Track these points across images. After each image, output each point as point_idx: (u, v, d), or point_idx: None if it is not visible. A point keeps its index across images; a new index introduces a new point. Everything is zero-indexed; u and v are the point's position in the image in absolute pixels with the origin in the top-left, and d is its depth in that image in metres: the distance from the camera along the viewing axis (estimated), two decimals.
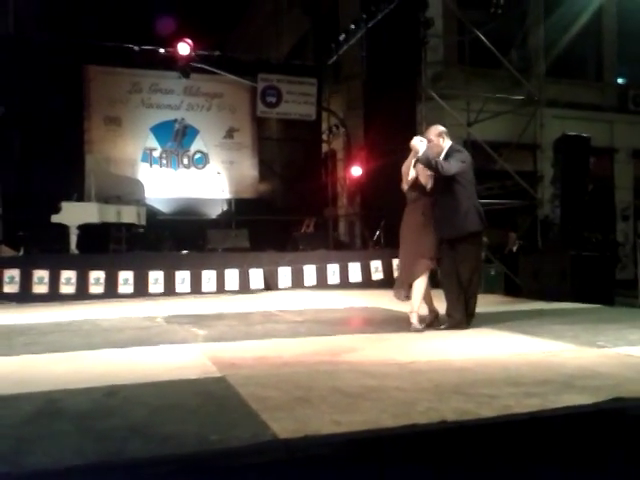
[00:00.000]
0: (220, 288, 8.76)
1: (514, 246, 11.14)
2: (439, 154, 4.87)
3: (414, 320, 4.81)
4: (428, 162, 4.68)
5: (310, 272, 9.30)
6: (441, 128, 5.07)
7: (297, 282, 9.18)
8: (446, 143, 4.99)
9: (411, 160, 4.87)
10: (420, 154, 4.71)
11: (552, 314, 5.81)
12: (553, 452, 2.12)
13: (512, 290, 9.48)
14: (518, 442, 2.18)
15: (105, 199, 10.13)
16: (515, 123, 11.74)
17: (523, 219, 11.79)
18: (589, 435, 2.24)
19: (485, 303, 7.25)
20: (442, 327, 4.88)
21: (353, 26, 11.93)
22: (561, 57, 13.39)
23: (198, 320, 5.80)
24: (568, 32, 13.03)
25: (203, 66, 11.85)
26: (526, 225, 11.35)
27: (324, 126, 14.14)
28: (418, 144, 4.78)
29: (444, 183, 4.82)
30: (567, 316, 5.64)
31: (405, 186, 4.97)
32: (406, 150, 9.94)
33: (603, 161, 13.92)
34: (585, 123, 12.12)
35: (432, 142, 4.91)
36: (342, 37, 12.42)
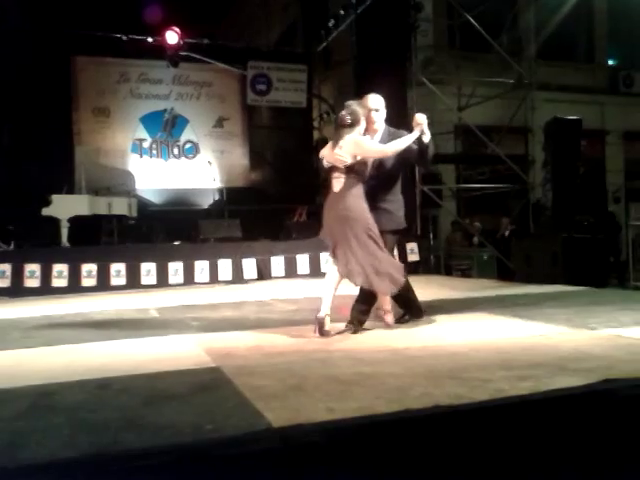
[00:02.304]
0: (213, 278, 8.74)
1: (506, 230, 11.18)
2: (375, 131, 4.28)
3: (390, 320, 4.37)
4: (425, 146, 4.13)
5: (303, 261, 9.29)
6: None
7: (290, 271, 9.17)
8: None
9: (413, 137, 4.09)
10: (428, 136, 4.11)
11: (545, 297, 5.84)
12: (547, 434, 2.14)
13: (505, 274, 9.53)
14: (511, 425, 2.20)
15: (95, 191, 10.04)
16: (506, 107, 11.74)
17: (515, 203, 11.82)
18: (581, 416, 2.26)
19: (478, 287, 7.30)
20: (406, 318, 4.51)
21: (342, 12, 11.84)
22: (551, 39, 13.34)
23: (191, 311, 5.80)
24: (558, 14, 12.98)
25: (192, 55, 11.74)
26: (518, 209, 11.39)
27: (315, 113, 14.07)
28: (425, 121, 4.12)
29: (389, 169, 4.25)
30: (560, 299, 5.67)
31: (341, 165, 4.05)
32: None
33: (594, 143, 13.94)
34: (576, 105, 12.13)
35: (379, 113, 4.28)
36: (331, 23, 12.33)
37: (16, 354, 3.85)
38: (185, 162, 12.67)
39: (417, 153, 4.17)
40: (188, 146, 12.72)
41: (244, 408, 2.38)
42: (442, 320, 4.65)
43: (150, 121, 12.37)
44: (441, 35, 12.86)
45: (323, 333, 4.01)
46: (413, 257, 9.77)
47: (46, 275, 8.04)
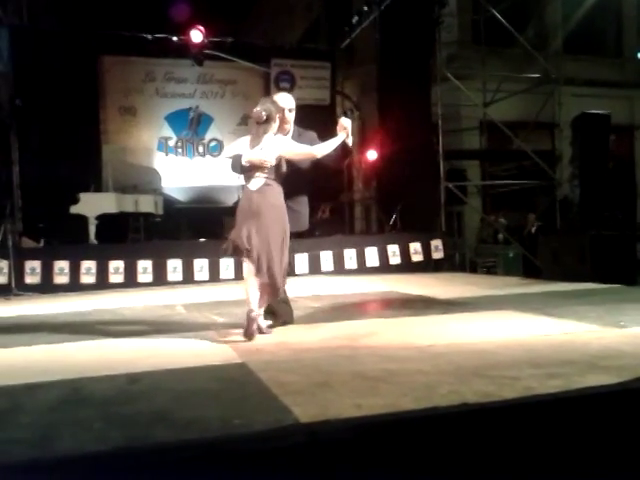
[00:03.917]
0: (238, 275, 8.77)
1: (533, 227, 11.05)
2: (287, 131, 4.25)
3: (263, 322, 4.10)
4: (348, 150, 4.19)
5: (327, 258, 9.29)
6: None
7: (314, 268, 9.17)
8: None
9: (338, 140, 4.07)
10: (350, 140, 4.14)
11: (573, 295, 5.75)
12: (578, 433, 2.11)
13: (531, 272, 9.41)
14: (542, 424, 2.17)
15: (122, 189, 10.19)
16: (532, 102, 11.58)
17: (541, 200, 11.67)
18: (614, 415, 2.22)
19: (504, 285, 7.23)
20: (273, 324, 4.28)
21: (366, 8, 11.80)
22: (578, 33, 13.13)
23: (218, 307, 5.84)
24: (585, 6, 12.75)
25: (216, 53, 11.81)
26: (545, 206, 11.23)
27: (338, 110, 14.05)
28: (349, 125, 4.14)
29: (301, 168, 4.19)
30: (588, 297, 5.58)
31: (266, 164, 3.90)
32: (420, 132, 9.66)
33: (623, 139, 13.68)
34: (605, 100, 11.90)
35: (292, 113, 4.24)
36: (355, 20, 12.29)
37: (47, 349, 3.92)
38: (210, 160, 12.75)
39: (333, 156, 4.13)
40: (213, 144, 12.80)
41: (271, 403, 2.39)
42: (468, 317, 4.61)
43: (175, 119, 12.48)
44: (466, 30, 12.74)
45: (253, 333, 3.85)
46: (438, 254, 9.72)
47: (75, 272, 8.18)
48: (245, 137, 4.06)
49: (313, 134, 4.29)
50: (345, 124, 4.11)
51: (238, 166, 3.98)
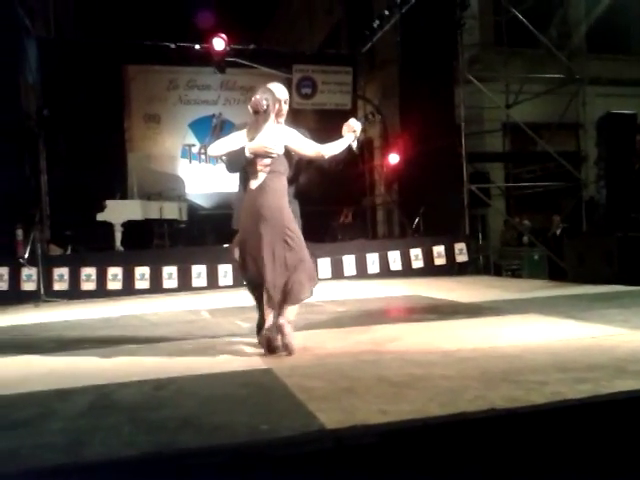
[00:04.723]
0: None
1: (558, 229, 10.90)
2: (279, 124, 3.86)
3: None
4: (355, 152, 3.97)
5: (350, 262, 9.30)
6: None
7: (337, 272, 9.18)
8: None
9: (347, 142, 3.81)
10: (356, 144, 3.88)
11: (600, 298, 5.67)
12: (608, 438, 2.08)
13: (557, 275, 9.29)
14: (571, 429, 2.15)
15: (147, 196, 10.32)
16: (556, 103, 11.44)
17: (567, 201, 11.50)
18: None
19: (530, 288, 7.15)
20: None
21: (387, 12, 11.79)
22: (602, 31, 12.93)
23: (242, 312, 5.86)
24: (608, 3, 12.56)
25: (238, 60, 11.91)
26: (570, 207, 11.08)
27: (360, 114, 14.05)
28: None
29: (293, 169, 3.86)
30: (616, 300, 5.50)
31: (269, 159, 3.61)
32: (442, 135, 9.56)
33: None
34: (630, 100, 11.68)
35: (286, 106, 3.86)
36: (376, 23, 12.29)
37: (75, 355, 3.98)
38: None
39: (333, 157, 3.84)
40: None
41: (297, 409, 2.40)
42: (493, 321, 4.58)
43: (199, 127, 12.61)
44: (488, 32, 12.65)
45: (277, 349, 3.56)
46: (462, 257, 9.65)
47: (102, 278, 8.30)
48: (238, 132, 3.72)
49: (302, 132, 3.87)
50: (354, 126, 3.85)
51: (237, 162, 3.69)
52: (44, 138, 10.72)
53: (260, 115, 3.61)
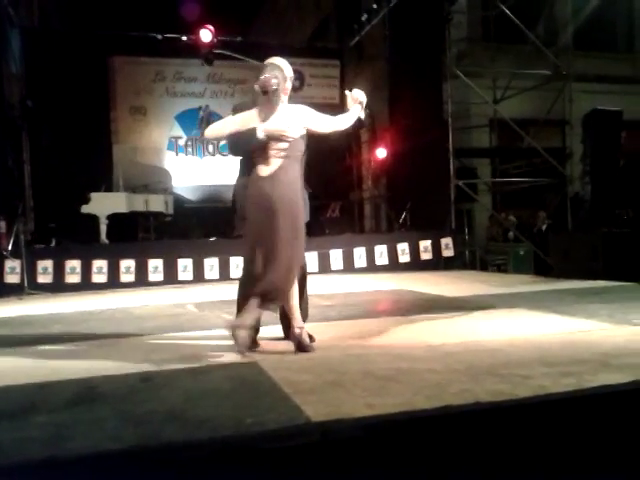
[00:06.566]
0: None
1: (543, 225, 10.97)
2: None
3: (306, 336, 3.50)
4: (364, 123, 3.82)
5: (337, 256, 9.30)
6: None
7: (324, 266, 9.18)
8: None
9: (356, 113, 3.63)
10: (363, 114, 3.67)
11: (584, 293, 5.72)
12: (591, 432, 2.10)
13: (542, 270, 9.35)
14: (555, 422, 2.16)
15: (133, 188, 10.24)
16: (542, 99, 11.49)
17: (552, 197, 11.58)
18: (628, 414, 2.21)
19: (515, 283, 7.19)
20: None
21: (375, 5, 11.76)
22: (589, 28, 13.00)
23: (228, 306, 5.82)
24: (595, 1, 12.63)
25: (226, 52, 11.83)
26: (555, 203, 11.16)
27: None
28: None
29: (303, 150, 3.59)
30: (600, 295, 5.55)
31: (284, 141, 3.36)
32: (430, 130, 9.53)
33: (635, 135, 13.54)
34: (616, 96, 11.79)
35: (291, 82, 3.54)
36: (364, 17, 12.26)
37: (60, 348, 3.96)
38: (220, 159, 12.78)
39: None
40: (223, 143, 12.82)
41: (283, 402, 2.40)
42: (479, 316, 4.60)
43: (185, 119, 12.52)
44: (476, 27, 12.67)
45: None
46: (448, 252, 9.70)
47: (86, 271, 8.23)
48: (247, 112, 3.47)
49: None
50: (359, 96, 3.61)
51: (245, 144, 3.40)
52: (28, 129, 10.59)
53: (269, 95, 3.34)
